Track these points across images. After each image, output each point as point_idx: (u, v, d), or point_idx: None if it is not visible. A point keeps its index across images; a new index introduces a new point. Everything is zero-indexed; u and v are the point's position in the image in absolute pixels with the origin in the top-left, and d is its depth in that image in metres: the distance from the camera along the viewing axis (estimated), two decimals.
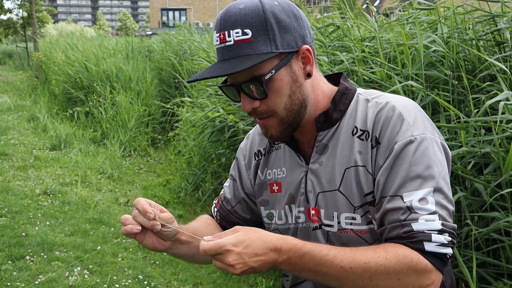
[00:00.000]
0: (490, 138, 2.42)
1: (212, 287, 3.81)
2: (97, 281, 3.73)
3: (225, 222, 1.47)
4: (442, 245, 1.03)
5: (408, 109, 1.15)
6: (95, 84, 9.54)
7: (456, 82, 2.87)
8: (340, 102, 1.22)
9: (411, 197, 1.06)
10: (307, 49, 1.16)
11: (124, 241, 4.65)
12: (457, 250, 2.42)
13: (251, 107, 1.16)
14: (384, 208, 1.09)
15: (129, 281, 3.78)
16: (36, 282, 3.60)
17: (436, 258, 1.03)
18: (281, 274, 1.52)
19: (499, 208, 2.38)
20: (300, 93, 1.17)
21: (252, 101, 1.16)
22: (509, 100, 2.28)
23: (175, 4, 43.62)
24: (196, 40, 8.76)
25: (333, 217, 1.20)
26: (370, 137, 1.15)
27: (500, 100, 2.28)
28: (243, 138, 4.72)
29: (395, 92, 2.83)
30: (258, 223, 1.44)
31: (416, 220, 1.04)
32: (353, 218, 1.18)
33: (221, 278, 3.90)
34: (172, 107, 7.27)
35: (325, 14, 3.89)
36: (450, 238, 1.04)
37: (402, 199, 1.07)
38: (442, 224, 1.04)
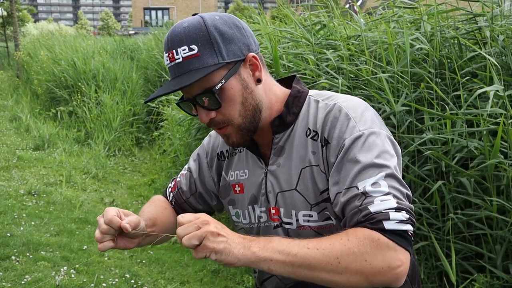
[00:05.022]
0: (477, 129, 2.47)
1: (199, 285, 3.82)
2: (84, 280, 3.72)
3: (179, 208, 1.52)
4: (401, 222, 1.06)
5: (355, 108, 1.20)
6: (79, 84, 9.46)
7: (440, 80, 2.93)
8: (293, 105, 1.28)
9: (364, 184, 1.10)
10: (253, 56, 1.22)
11: None
12: (438, 243, 2.47)
13: (208, 118, 1.21)
14: (341, 201, 1.13)
15: (116, 280, 3.77)
16: (23, 282, 3.58)
17: (397, 236, 1.06)
18: (253, 271, 1.55)
19: (483, 202, 2.43)
20: (253, 99, 1.22)
21: (208, 112, 1.21)
22: (499, 92, 2.33)
23: (157, 3, 43.43)
24: None
25: (292, 215, 1.26)
26: (319, 137, 1.21)
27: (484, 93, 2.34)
28: None
29: (380, 89, 2.89)
30: (209, 213, 1.50)
31: (372, 202, 1.08)
32: (310, 216, 1.23)
33: (208, 276, 3.92)
34: (157, 106, 7.25)
35: (311, 12, 3.92)
36: (408, 216, 1.07)
37: (357, 188, 1.11)
38: (397, 203, 1.08)
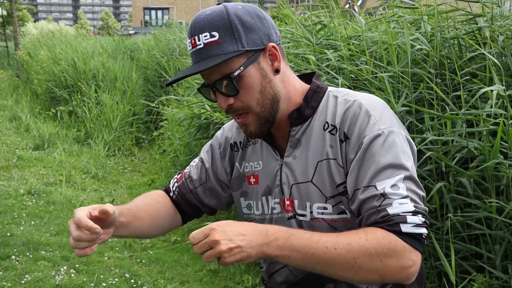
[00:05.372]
0: (477, 130, 2.47)
1: (198, 285, 3.83)
2: (84, 280, 3.72)
3: (182, 199, 1.51)
4: (417, 225, 1.09)
5: (374, 106, 1.22)
6: (79, 83, 9.47)
7: (440, 81, 2.93)
8: (312, 99, 1.29)
9: (384, 185, 1.13)
10: (273, 47, 1.24)
11: (110, 240, 4.63)
12: (437, 243, 2.47)
13: (226, 104, 1.24)
14: (359, 199, 1.15)
15: (116, 279, 3.78)
16: (23, 282, 3.58)
17: (412, 239, 1.09)
18: (259, 266, 1.56)
19: (483, 203, 2.43)
20: (271, 88, 1.24)
21: (227, 98, 1.24)
22: (501, 93, 2.33)
23: (157, 3, 43.43)
24: (186, 38, 8.74)
25: (306, 207, 1.27)
26: (338, 132, 1.23)
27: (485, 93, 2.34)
28: None
29: (381, 89, 2.89)
30: (212, 210, 1.52)
31: (390, 204, 1.11)
32: (325, 208, 1.24)
33: (207, 276, 3.92)
34: (157, 106, 7.26)
35: (312, 12, 3.93)
36: (423, 219, 1.11)
37: (376, 188, 1.13)
38: (414, 206, 1.11)
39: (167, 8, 43.14)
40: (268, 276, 1.42)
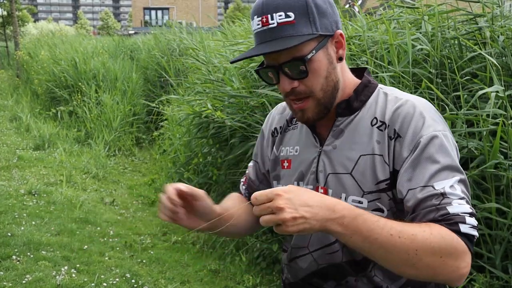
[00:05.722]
0: (477, 130, 2.48)
1: (199, 285, 3.83)
2: (85, 280, 3.72)
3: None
4: (473, 227, 1.09)
5: (427, 108, 1.22)
6: (80, 83, 9.47)
7: (440, 81, 2.94)
8: (362, 93, 1.29)
9: (442, 185, 1.12)
10: (340, 34, 1.24)
11: (110, 240, 4.65)
12: None
13: (291, 87, 1.21)
14: (417, 197, 1.13)
15: (117, 279, 3.78)
16: (23, 282, 3.58)
17: (468, 240, 1.08)
18: (282, 248, 1.55)
19: (480, 203, 2.44)
20: (335, 75, 1.24)
21: (292, 81, 1.21)
22: (499, 93, 2.34)
23: (157, 3, 43.42)
24: (186, 38, 8.76)
25: (341, 198, 1.24)
26: (387, 128, 1.21)
27: (485, 94, 2.34)
28: (229, 135, 4.70)
29: None
30: None
31: (450, 203, 1.10)
32: (360, 202, 1.22)
33: (208, 276, 3.92)
34: (157, 106, 7.26)
35: None
36: (476, 222, 1.11)
37: (434, 188, 1.12)
38: (470, 208, 1.11)
39: (167, 8, 43.12)
40: (289, 259, 1.41)
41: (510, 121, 2.40)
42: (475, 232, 1.09)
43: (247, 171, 1.57)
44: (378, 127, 1.23)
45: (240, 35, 5.65)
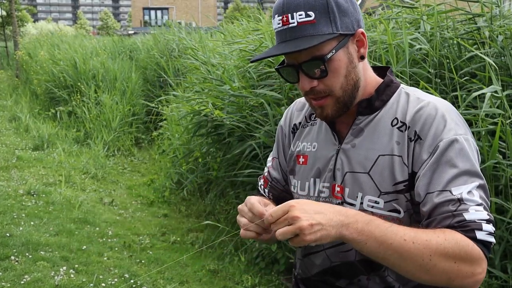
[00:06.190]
0: (476, 130, 2.47)
1: (198, 285, 3.82)
2: (83, 280, 3.72)
3: (278, 201, 1.46)
4: (490, 234, 1.09)
5: (450, 111, 1.21)
6: (79, 84, 9.47)
7: (439, 80, 2.93)
8: (384, 93, 1.28)
9: (460, 191, 1.11)
10: (362, 33, 1.23)
11: (109, 240, 4.64)
12: None
13: (310, 86, 1.21)
14: (434, 202, 1.13)
15: (115, 280, 3.78)
16: (22, 282, 3.58)
17: (484, 247, 1.09)
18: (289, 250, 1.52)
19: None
20: (355, 74, 1.24)
21: (311, 80, 1.21)
22: (497, 93, 2.33)
23: (157, 3, 43.40)
24: (185, 38, 8.76)
25: (357, 197, 1.24)
26: (408, 130, 1.21)
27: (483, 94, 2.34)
28: (228, 134, 4.69)
29: None
30: None
31: (467, 210, 1.09)
32: (376, 202, 1.22)
33: (207, 276, 3.92)
34: (156, 106, 7.26)
35: None
36: (494, 229, 1.11)
37: (451, 193, 1.12)
38: (488, 215, 1.10)
39: (167, 8, 43.09)
40: (303, 254, 1.40)
41: (508, 121, 2.40)
42: (491, 239, 1.09)
43: (265, 172, 1.54)
44: (398, 128, 1.23)
45: (238, 35, 5.64)
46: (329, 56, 1.17)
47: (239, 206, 1.22)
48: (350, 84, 1.23)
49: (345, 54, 1.20)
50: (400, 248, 1.06)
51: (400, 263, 1.08)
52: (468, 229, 1.08)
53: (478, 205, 1.10)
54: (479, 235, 1.08)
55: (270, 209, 1.14)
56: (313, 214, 1.05)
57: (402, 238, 1.06)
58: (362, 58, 1.25)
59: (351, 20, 1.21)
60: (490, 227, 1.09)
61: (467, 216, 1.09)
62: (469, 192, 1.11)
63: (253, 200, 1.19)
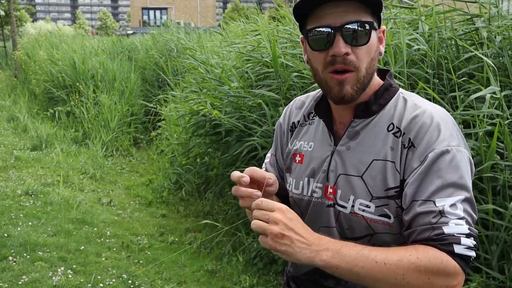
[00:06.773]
0: (474, 131, 2.47)
1: (196, 285, 3.82)
2: (81, 280, 3.71)
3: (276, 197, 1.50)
4: (469, 248, 1.09)
5: (445, 121, 1.20)
6: (77, 84, 9.46)
7: (437, 81, 2.93)
8: (382, 97, 1.28)
9: (443, 202, 1.11)
10: (383, 31, 1.26)
11: (107, 240, 4.63)
12: None
13: (346, 51, 1.18)
14: (416, 210, 1.13)
15: (113, 280, 3.77)
16: (20, 283, 3.57)
17: (462, 260, 1.09)
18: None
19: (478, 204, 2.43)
20: (375, 63, 1.24)
21: (347, 46, 1.18)
22: (495, 94, 2.33)
23: (156, 3, 43.37)
24: (183, 38, 8.76)
25: (349, 200, 1.25)
26: (402, 136, 1.21)
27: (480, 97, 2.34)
28: (226, 134, 4.69)
29: None
30: None
31: (446, 223, 1.10)
32: (367, 206, 1.22)
33: (205, 277, 3.92)
34: (155, 106, 7.25)
35: None
36: (474, 242, 1.11)
37: (434, 204, 1.12)
38: (469, 229, 1.10)
39: (166, 8, 43.06)
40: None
41: (506, 122, 2.40)
42: (471, 253, 1.09)
43: (262, 168, 1.53)
44: (394, 133, 1.22)
45: (237, 36, 5.64)
46: (375, 24, 1.19)
47: (233, 174, 1.23)
48: (371, 69, 1.23)
49: (375, 39, 1.22)
50: (372, 270, 1.08)
51: (374, 283, 1.10)
52: (445, 242, 1.09)
53: (459, 218, 1.10)
54: (457, 249, 1.08)
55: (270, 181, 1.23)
56: (291, 230, 1.07)
57: (374, 261, 1.08)
58: (380, 54, 1.26)
59: (380, 16, 1.24)
60: (469, 242, 1.09)
61: (446, 229, 1.09)
62: (453, 205, 1.11)
63: (252, 168, 1.24)
